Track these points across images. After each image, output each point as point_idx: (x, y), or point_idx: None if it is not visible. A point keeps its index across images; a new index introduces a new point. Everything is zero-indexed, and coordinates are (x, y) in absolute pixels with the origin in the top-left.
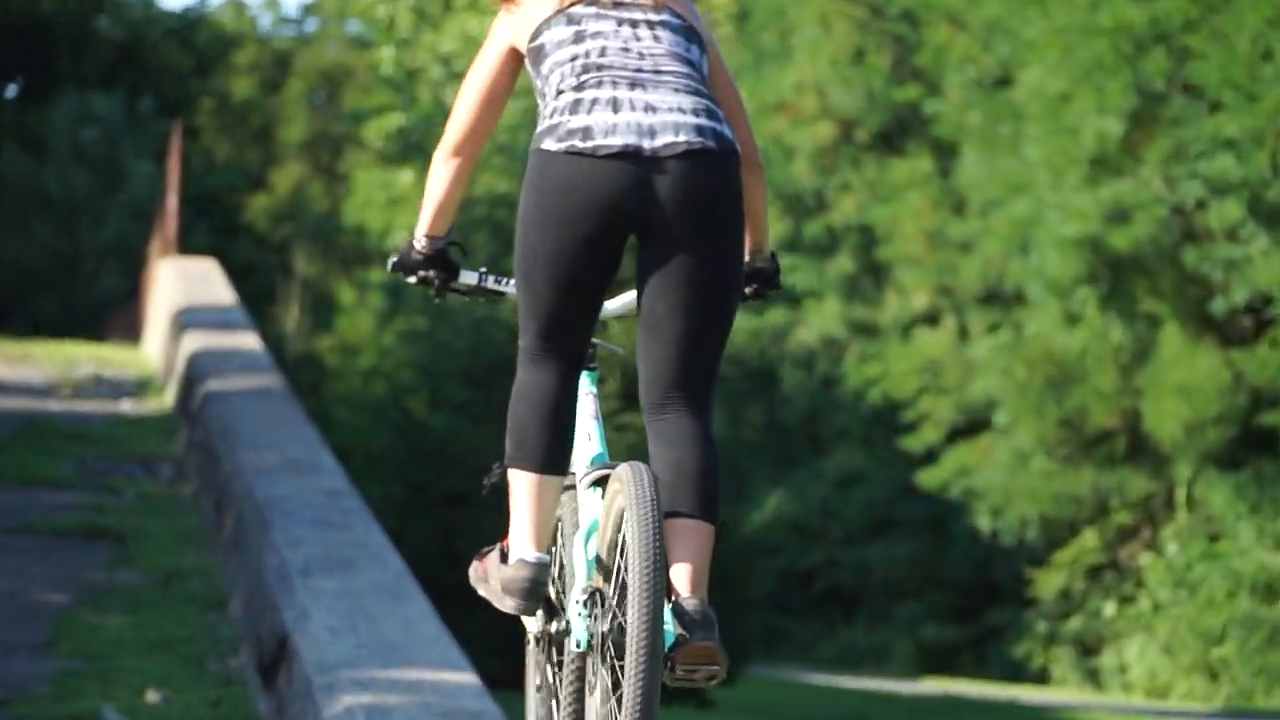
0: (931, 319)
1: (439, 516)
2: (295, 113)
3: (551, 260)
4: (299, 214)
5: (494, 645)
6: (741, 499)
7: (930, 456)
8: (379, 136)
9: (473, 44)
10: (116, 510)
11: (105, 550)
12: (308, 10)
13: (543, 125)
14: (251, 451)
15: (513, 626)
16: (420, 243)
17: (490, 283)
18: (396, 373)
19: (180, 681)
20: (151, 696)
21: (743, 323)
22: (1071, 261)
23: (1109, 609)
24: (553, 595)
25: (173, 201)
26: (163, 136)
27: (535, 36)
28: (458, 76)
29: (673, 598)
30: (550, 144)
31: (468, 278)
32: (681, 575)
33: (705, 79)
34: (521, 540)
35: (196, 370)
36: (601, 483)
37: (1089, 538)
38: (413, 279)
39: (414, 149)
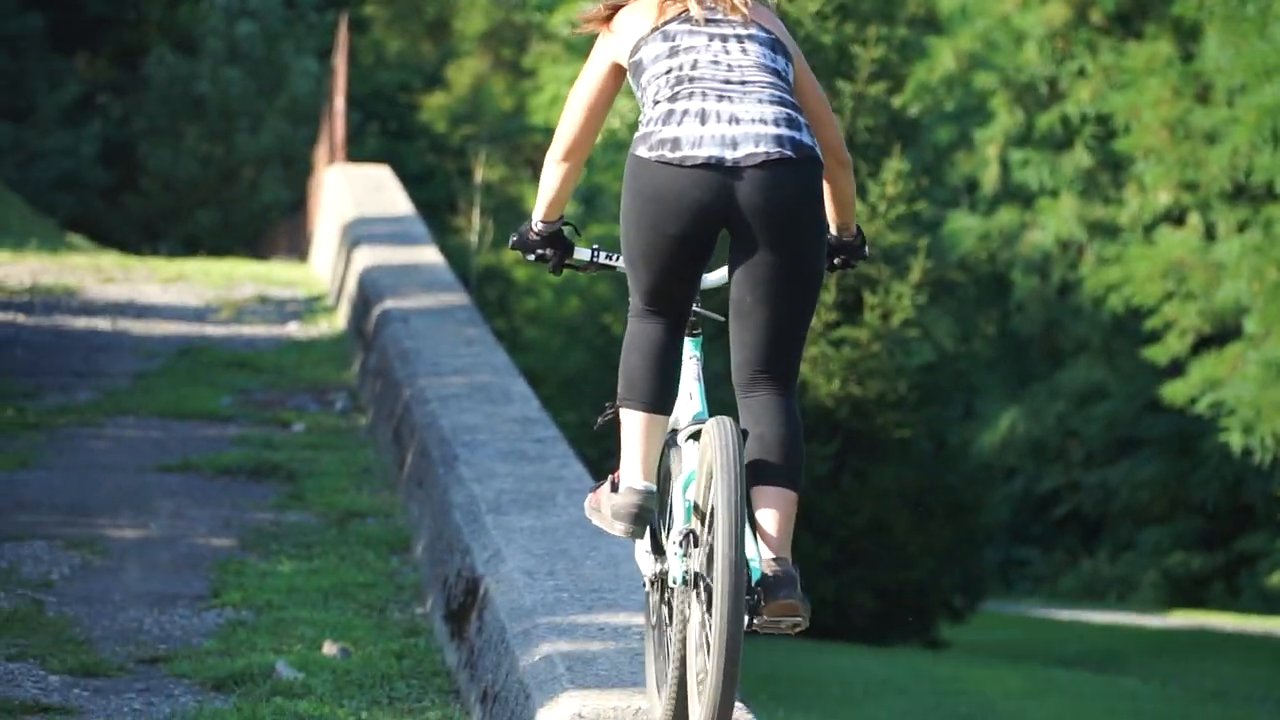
0: (1176, 218)
1: None
2: (474, 0)
3: (647, 253)
4: (480, 114)
5: None
6: (972, 418)
7: (1176, 368)
8: (567, 26)
9: None
10: (285, 445)
11: (274, 489)
12: None
13: (640, 132)
14: (434, 377)
15: None
16: (537, 226)
17: (602, 258)
18: (592, 287)
19: (360, 632)
20: (329, 649)
21: (971, 224)
22: None
23: None
24: (661, 538)
25: (339, 102)
26: (326, 30)
27: (634, 52)
28: None
29: (761, 554)
30: (643, 151)
31: (581, 254)
32: (768, 533)
33: (791, 86)
34: (630, 471)
35: (371, 288)
36: (698, 436)
37: None
38: (531, 257)
39: None
